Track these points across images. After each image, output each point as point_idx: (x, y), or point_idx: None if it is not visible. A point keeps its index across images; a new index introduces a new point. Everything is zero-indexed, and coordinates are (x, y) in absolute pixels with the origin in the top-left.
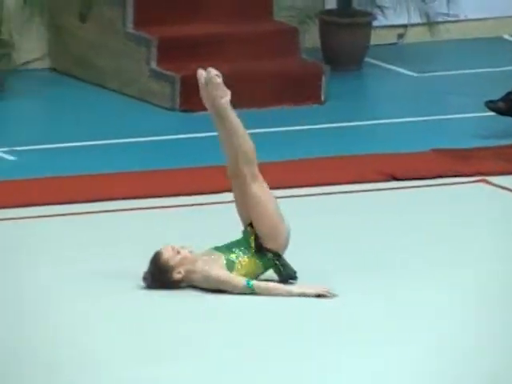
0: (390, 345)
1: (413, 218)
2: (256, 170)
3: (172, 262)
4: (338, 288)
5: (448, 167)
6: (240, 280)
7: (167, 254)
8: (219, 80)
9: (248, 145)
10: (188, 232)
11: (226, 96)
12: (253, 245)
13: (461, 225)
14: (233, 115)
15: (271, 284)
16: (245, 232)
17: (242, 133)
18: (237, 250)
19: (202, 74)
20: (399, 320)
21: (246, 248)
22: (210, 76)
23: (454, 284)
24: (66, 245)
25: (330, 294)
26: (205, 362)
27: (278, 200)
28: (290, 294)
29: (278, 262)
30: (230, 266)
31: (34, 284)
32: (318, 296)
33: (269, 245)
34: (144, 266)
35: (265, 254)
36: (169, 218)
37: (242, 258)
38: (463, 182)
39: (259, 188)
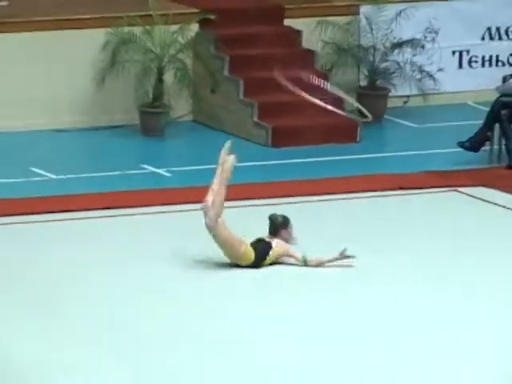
0: None
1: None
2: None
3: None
4: None
5: (434, 182)
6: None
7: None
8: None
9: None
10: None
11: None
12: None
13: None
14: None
15: (314, 256)
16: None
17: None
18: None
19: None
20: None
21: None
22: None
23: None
24: None
25: (348, 255)
26: None
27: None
28: (321, 262)
29: None
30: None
31: None
32: (341, 258)
33: None
34: None
35: None
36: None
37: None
38: (442, 191)
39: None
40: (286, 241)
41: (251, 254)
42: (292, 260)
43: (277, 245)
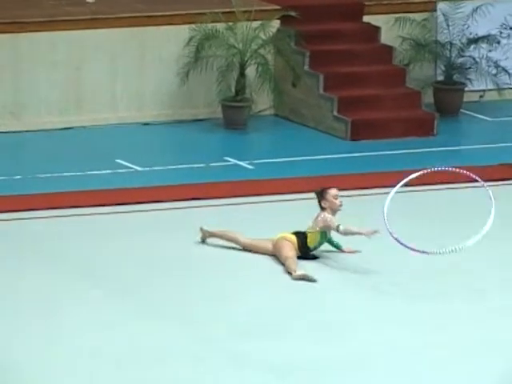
0: None
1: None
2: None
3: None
4: None
5: (510, 174)
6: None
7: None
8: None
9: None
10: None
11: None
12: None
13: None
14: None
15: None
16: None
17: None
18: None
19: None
20: None
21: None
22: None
23: None
24: None
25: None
26: None
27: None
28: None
29: None
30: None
31: None
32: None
33: None
34: None
35: None
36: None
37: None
38: None
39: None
40: (330, 209)
41: (290, 237)
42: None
43: (313, 224)
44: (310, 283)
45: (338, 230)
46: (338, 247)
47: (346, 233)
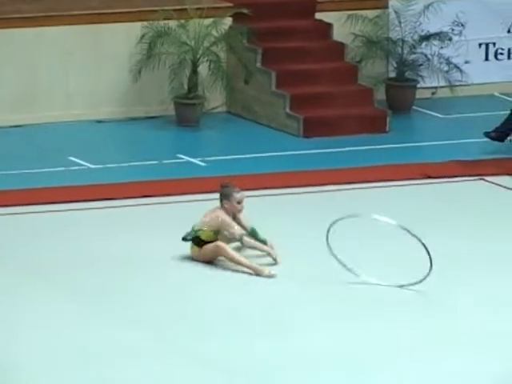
0: None
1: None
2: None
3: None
4: None
5: (461, 171)
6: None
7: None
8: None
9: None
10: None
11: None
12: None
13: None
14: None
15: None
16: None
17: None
18: None
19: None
20: None
21: None
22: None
23: None
24: None
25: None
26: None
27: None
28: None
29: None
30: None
31: None
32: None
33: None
34: None
35: None
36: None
37: None
38: (468, 180)
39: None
40: (228, 210)
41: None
42: (228, 233)
43: (210, 215)
44: (265, 281)
45: (241, 241)
46: (262, 241)
47: (248, 246)
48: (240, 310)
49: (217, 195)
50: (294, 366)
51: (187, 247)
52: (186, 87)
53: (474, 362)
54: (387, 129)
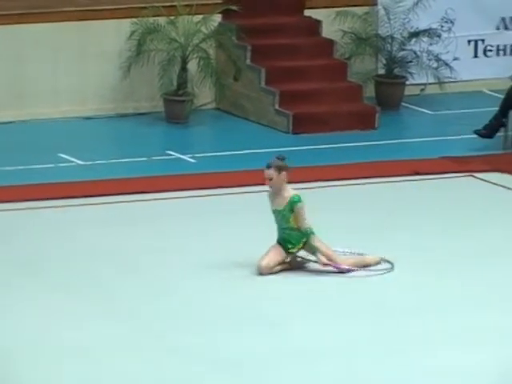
0: None
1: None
2: None
3: None
4: None
5: (450, 167)
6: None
7: None
8: None
9: None
10: None
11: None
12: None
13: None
14: None
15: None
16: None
17: None
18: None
19: None
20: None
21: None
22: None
23: None
24: None
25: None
26: None
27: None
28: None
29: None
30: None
31: None
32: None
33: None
34: None
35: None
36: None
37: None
38: (457, 177)
39: None
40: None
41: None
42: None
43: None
44: (252, 278)
45: (311, 234)
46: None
47: (314, 244)
48: (237, 306)
49: (206, 192)
50: (290, 361)
51: (179, 243)
52: (175, 84)
53: (475, 357)
54: (376, 125)
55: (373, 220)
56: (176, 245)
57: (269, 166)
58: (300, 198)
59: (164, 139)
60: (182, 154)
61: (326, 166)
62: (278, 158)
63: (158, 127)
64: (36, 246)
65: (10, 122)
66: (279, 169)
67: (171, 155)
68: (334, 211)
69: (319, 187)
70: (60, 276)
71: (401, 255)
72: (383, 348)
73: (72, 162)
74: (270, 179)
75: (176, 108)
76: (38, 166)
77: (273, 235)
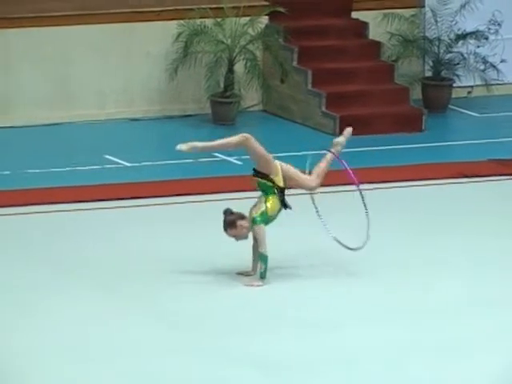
0: None
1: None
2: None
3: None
4: None
5: (499, 170)
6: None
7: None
8: None
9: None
10: None
11: None
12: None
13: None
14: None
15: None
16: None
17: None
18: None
19: None
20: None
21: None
22: None
23: None
24: None
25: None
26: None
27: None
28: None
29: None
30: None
31: None
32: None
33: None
34: None
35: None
36: None
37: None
38: (504, 179)
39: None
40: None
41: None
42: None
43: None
44: (291, 280)
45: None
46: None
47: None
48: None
49: (253, 194)
50: (325, 363)
51: (221, 247)
52: (222, 86)
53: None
54: (423, 128)
55: (420, 222)
56: (219, 248)
57: (225, 230)
58: (260, 220)
59: (211, 141)
60: (229, 156)
61: (373, 168)
62: (225, 214)
63: (205, 129)
64: (79, 247)
65: (57, 124)
66: (233, 224)
67: (217, 157)
68: (380, 213)
69: (365, 189)
70: (97, 277)
71: (450, 257)
72: (434, 353)
73: (118, 163)
74: (235, 236)
75: (222, 110)
76: (84, 168)
77: (303, 236)
